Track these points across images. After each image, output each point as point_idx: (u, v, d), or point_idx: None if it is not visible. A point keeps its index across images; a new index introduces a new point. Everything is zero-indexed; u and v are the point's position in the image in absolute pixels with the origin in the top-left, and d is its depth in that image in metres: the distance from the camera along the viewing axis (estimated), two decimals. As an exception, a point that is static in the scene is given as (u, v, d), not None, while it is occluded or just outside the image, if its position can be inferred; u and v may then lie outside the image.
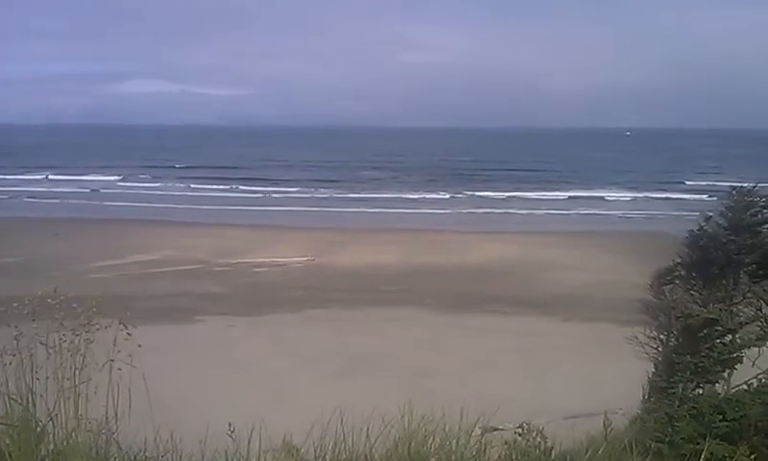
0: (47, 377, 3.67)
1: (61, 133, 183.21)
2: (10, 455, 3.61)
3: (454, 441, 4.46)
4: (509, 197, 51.98)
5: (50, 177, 64.04)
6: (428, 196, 52.06)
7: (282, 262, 25.32)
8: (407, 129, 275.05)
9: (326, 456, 4.25)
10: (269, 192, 54.26)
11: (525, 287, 21.73)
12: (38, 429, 3.70)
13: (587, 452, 4.61)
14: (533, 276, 23.38)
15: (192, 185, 58.16)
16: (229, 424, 3.97)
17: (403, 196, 51.53)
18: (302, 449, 4.38)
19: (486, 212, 43.31)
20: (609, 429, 5.27)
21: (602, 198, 51.21)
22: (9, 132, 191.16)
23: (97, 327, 3.73)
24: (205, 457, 4.07)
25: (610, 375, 12.38)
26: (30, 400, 3.69)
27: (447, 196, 52.45)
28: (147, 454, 3.99)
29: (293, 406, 9.20)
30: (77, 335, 3.74)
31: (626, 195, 52.61)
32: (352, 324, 17.15)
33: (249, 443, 4.05)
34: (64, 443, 3.70)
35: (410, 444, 4.24)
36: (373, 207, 44.76)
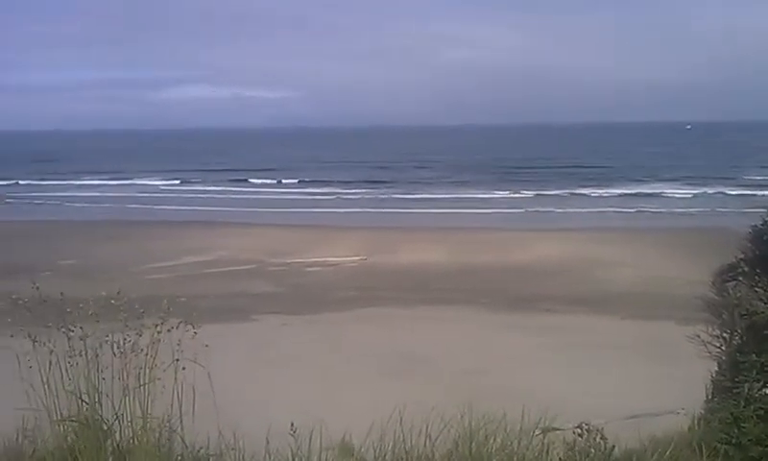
0: (113, 377, 3.75)
1: (115, 138, 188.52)
2: (79, 452, 3.70)
3: (516, 441, 4.39)
4: (562, 194, 51.13)
5: (107, 181, 65.88)
6: (479, 195, 51.50)
7: (335, 262, 25.48)
8: (454, 126, 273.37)
9: (386, 456, 4.24)
10: (320, 193, 54.71)
11: (581, 285, 21.32)
12: (105, 428, 3.79)
13: (653, 455, 4.49)
14: (588, 273, 22.93)
15: (245, 187, 59.12)
16: (292, 424, 3.99)
17: (454, 195, 51.18)
18: (362, 449, 4.37)
19: (538, 210, 42.68)
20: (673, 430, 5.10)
21: (660, 194, 49.88)
22: (69, 137, 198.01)
23: (159, 328, 3.80)
24: (268, 456, 4.10)
25: (669, 374, 12.06)
26: (96, 399, 3.78)
27: (498, 194, 51.82)
28: (210, 452, 4.04)
29: (350, 405, 9.23)
30: (139, 335, 3.82)
31: (685, 190, 51.07)
32: (405, 322, 17.11)
33: (310, 442, 4.07)
34: (130, 441, 3.78)
35: (471, 444, 4.19)
36: (424, 207, 44.66)
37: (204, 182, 63.52)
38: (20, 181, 66.43)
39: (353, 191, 55.77)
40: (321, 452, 4.14)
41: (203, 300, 18.66)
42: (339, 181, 61.55)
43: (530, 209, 43.19)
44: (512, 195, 51.41)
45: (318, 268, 24.73)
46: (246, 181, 63.61)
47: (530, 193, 51.90)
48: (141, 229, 34.89)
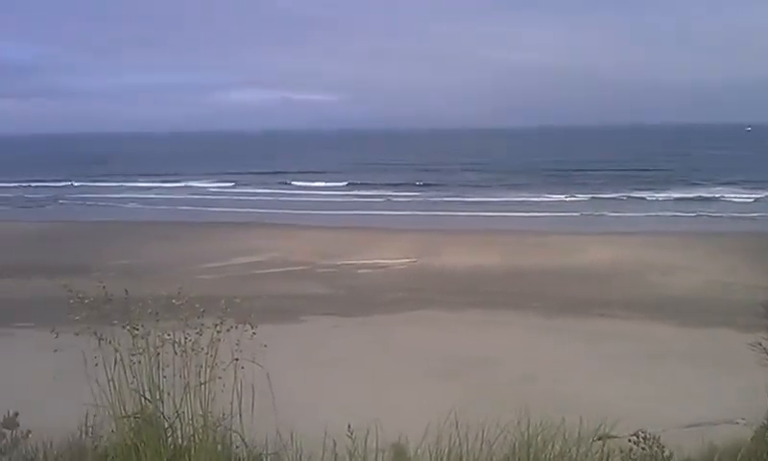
0: (174, 375, 3.82)
1: (167, 141, 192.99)
2: (140, 449, 3.78)
3: (574, 448, 4.31)
4: (618, 197, 50.12)
5: (159, 183, 67.44)
6: (532, 198, 50.81)
7: (385, 264, 25.53)
8: (506, 129, 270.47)
9: (443, 460, 4.20)
10: (370, 195, 54.93)
11: (637, 290, 20.85)
12: (166, 425, 3.85)
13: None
14: (645, 278, 22.41)
15: (294, 190, 59.78)
16: (349, 426, 3.99)
17: (505, 198, 50.60)
18: (418, 451, 4.34)
19: (593, 214, 41.92)
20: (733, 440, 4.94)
21: (719, 198, 48.40)
22: (125, 140, 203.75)
23: (218, 327, 3.85)
24: (325, 456, 4.12)
25: (728, 382, 11.71)
26: (158, 396, 3.85)
27: (551, 197, 51.04)
28: (269, 451, 4.08)
29: (402, 407, 9.22)
30: (199, 335, 3.87)
31: (745, 194, 49.37)
32: (455, 325, 17.04)
33: (365, 443, 4.06)
34: (190, 438, 3.84)
35: (528, 449, 4.12)
36: (474, 210, 44.34)
37: (253, 185, 64.42)
38: (75, 183, 68.66)
39: (403, 194, 55.77)
40: (377, 454, 4.13)
41: (254, 300, 18.92)
42: (388, 184, 61.63)
43: (584, 213, 42.47)
44: (565, 198, 50.61)
45: (368, 270, 24.81)
46: (294, 183, 64.27)
47: (585, 196, 50.99)
48: (193, 230, 35.63)
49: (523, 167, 76.94)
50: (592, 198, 50.20)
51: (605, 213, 42.08)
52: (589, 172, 68.52)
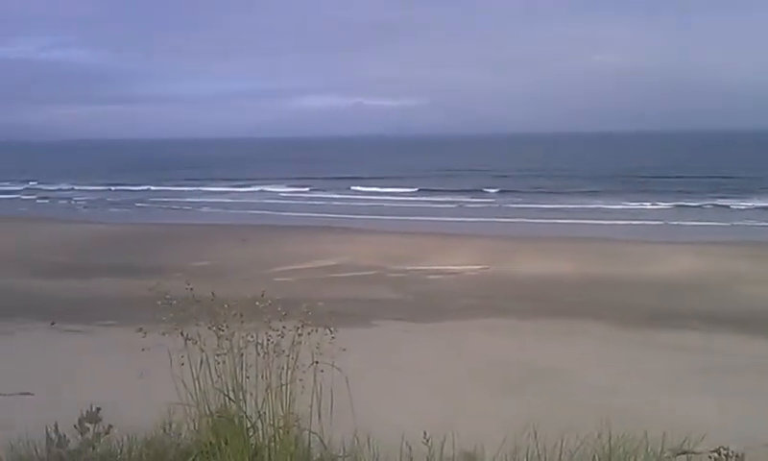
0: (256, 376, 3.92)
1: (247, 146, 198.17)
2: (223, 448, 3.89)
3: (656, 462, 4.20)
4: (701, 205, 48.32)
5: (234, 188, 69.36)
6: (610, 205, 49.50)
7: (456, 270, 25.38)
8: (589, 134, 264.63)
9: (520, 471, 4.15)
10: (442, 201, 54.83)
11: (720, 302, 19.97)
12: (248, 425, 3.96)
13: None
14: (731, 290, 21.45)
15: (366, 195, 60.25)
16: (425, 433, 4.00)
17: (582, 205, 49.53)
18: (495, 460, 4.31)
19: (675, 223, 40.41)
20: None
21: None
22: (201, 145, 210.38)
23: (300, 330, 3.93)
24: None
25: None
26: (241, 396, 3.96)
27: (631, 205, 49.56)
28: (345, 453, 4.14)
29: (477, 416, 9.15)
30: (281, 337, 3.96)
31: None
32: (529, 334, 16.73)
33: (442, 451, 4.06)
34: (271, 438, 3.93)
35: (610, 462, 4.03)
36: (550, 217, 43.58)
37: (325, 189, 65.37)
38: (152, 187, 71.38)
39: (475, 200, 55.42)
40: (453, 461, 4.13)
41: (327, 303, 19.15)
42: (460, 190, 61.35)
43: (665, 221, 41.05)
44: (645, 206, 49.05)
45: (438, 276, 24.72)
46: (365, 188, 64.74)
47: (666, 204, 49.29)
48: (267, 233, 36.39)
49: (599, 173, 75.19)
50: (676, 206, 48.49)
51: (687, 222, 40.52)
52: (667, 179, 66.33)
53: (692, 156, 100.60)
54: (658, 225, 39.69)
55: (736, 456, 4.33)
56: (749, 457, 4.39)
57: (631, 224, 40.02)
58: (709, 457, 4.32)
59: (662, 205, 49.19)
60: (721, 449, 4.35)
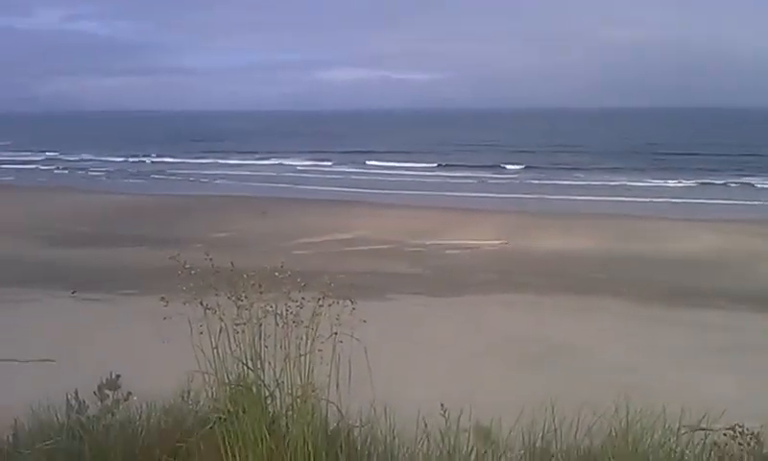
0: (275, 346, 3.94)
1: (267, 119, 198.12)
2: (240, 416, 3.93)
3: (673, 438, 4.20)
4: (726, 183, 47.52)
5: (256, 160, 69.49)
6: (633, 182, 48.79)
7: (474, 245, 25.32)
8: (608, 109, 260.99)
9: (536, 444, 4.16)
10: (462, 176, 54.53)
11: (742, 280, 19.76)
12: (267, 393, 4.00)
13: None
14: (754, 268, 21.22)
15: (386, 169, 60.07)
16: (442, 405, 4.02)
17: (605, 182, 48.91)
18: (511, 434, 4.32)
19: (698, 201, 39.73)
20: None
21: None
22: (221, 118, 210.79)
23: (320, 301, 3.94)
24: (417, 433, 4.16)
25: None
26: (259, 365, 3.99)
27: (654, 182, 48.90)
28: (363, 422, 4.17)
29: (494, 390, 9.17)
30: (300, 307, 3.97)
31: None
32: (550, 310, 16.69)
33: (458, 424, 4.07)
34: (289, 407, 3.97)
35: (627, 437, 4.02)
36: (571, 193, 43.16)
37: (346, 163, 65.27)
38: (171, 159, 71.96)
39: (496, 175, 55.04)
40: (470, 434, 4.14)
41: (345, 276, 19.21)
42: (482, 165, 60.95)
43: (688, 199, 40.47)
44: (668, 183, 48.36)
45: (457, 251, 24.67)
46: (386, 163, 64.47)
47: (691, 182, 48.59)
48: (286, 206, 36.48)
49: (622, 149, 74.38)
50: (700, 184, 47.83)
51: (710, 200, 39.92)
52: (692, 156, 65.32)
53: (717, 132, 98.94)
54: (681, 202, 39.14)
55: (752, 434, 4.32)
56: (765, 435, 4.37)
57: (653, 201, 39.53)
58: (725, 434, 4.30)
59: (687, 182, 48.54)
60: (737, 427, 4.34)
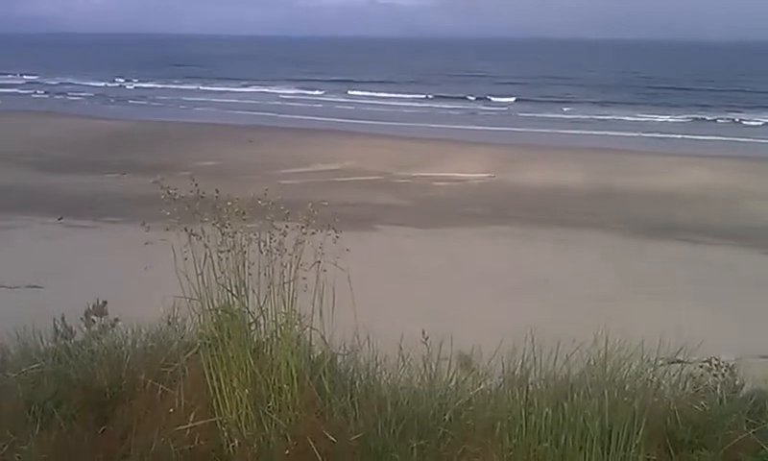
0: (259, 273, 3.95)
1: (250, 44, 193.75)
2: (225, 341, 3.97)
3: (650, 369, 4.30)
4: (717, 119, 47.35)
5: (240, 88, 68.22)
6: (623, 116, 48.40)
7: (462, 177, 25.31)
8: (601, 41, 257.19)
9: (515, 372, 4.24)
10: (453, 107, 54.04)
11: (724, 216, 19.99)
12: (251, 320, 4.03)
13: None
14: (735, 204, 21.43)
15: (375, 99, 59.27)
16: (423, 332, 4.08)
17: (596, 115, 48.47)
18: (491, 362, 4.40)
19: (689, 136, 39.50)
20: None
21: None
22: (201, 43, 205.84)
23: (304, 229, 3.93)
24: (399, 360, 4.24)
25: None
26: (243, 293, 4.01)
27: (644, 117, 48.55)
28: (346, 350, 4.23)
29: (477, 320, 9.33)
30: (284, 236, 3.96)
31: None
32: (531, 243, 16.85)
33: (440, 351, 4.14)
34: (273, 333, 4.01)
35: (605, 368, 4.11)
36: (560, 127, 42.93)
37: (332, 93, 64.25)
38: (153, 84, 70.70)
39: (486, 107, 54.60)
40: (450, 361, 4.22)
41: (331, 206, 19.19)
42: (472, 97, 60.32)
43: (679, 135, 40.28)
44: (660, 118, 48.16)
45: (444, 183, 24.67)
46: (374, 93, 63.60)
47: (682, 118, 48.36)
48: (272, 135, 36.09)
49: (613, 82, 73.66)
50: (692, 119, 47.62)
51: (701, 136, 39.75)
52: (683, 90, 64.98)
53: (708, 67, 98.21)
54: (670, 138, 38.99)
55: (726, 366, 4.42)
56: (740, 368, 4.47)
57: (645, 136, 39.36)
58: (701, 367, 4.40)
59: (678, 118, 48.33)
60: (713, 360, 4.44)
